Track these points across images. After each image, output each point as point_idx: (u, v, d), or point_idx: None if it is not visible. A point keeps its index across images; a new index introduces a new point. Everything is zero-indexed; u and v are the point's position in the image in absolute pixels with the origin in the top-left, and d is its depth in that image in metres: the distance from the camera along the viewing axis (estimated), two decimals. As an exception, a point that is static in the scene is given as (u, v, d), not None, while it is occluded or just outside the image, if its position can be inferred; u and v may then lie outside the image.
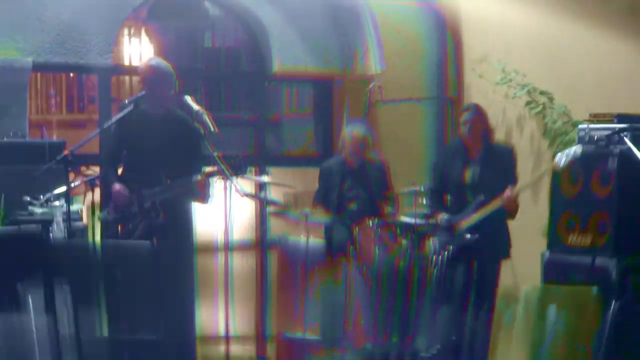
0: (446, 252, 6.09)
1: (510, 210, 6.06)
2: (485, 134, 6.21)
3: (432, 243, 6.23)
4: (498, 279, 6.17)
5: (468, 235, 6.05)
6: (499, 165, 6.16)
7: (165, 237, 5.76)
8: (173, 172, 5.78)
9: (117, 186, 5.84)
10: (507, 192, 5.96)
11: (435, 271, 6.12)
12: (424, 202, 6.66)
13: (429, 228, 6.29)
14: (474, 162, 6.18)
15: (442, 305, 6.15)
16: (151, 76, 5.91)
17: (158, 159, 5.79)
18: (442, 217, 6.18)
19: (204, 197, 5.78)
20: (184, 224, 5.94)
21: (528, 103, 7.49)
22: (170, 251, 5.80)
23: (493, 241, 6.09)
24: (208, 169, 5.71)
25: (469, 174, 6.17)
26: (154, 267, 5.92)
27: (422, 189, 6.66)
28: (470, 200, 6.12)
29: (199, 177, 5.67)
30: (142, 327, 6.45)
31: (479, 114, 6.22)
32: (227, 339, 6.02)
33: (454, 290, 6.11)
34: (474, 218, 6.05)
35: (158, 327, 5.89)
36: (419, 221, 6.51)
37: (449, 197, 6.28)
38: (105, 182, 6.05)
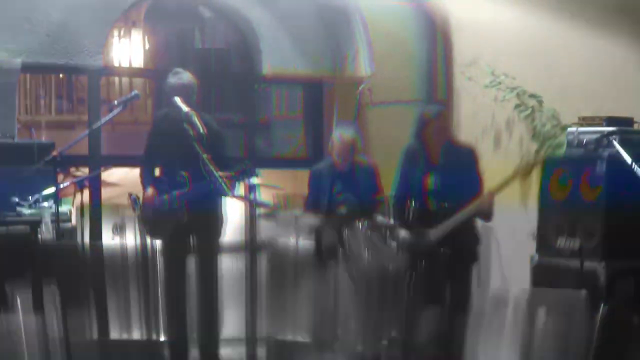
0: (418, 267, 5.80)
1: (486, 215, 5.81)
2: (446, 136, 5.93)
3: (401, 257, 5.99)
4: (470, 283, 5.93)
5: (442, 249, 5.74)
6: (462, 168, 5.83)
7: (197, 237, 6.18)
8: (200, 174, 5.91)
9: (149, 191, 6.13)
10: (482, 197, 5.71)
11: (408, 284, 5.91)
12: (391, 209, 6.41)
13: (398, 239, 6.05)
14: (436, 167, 5.88)
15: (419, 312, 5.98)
16: (173, 87, 6.11)
17: (187, 162, 5.98)
18: (402, 235, 5.94)
19: (232, 191, 5.92)
20: (215, 223, 6.24)
21: (517, 106, 7.49)
22: (201, 251, 6.20)
23: (462, 247, 5.83)
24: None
25: (431, 180, 5.91)
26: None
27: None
28: (433, 208, 5.82)
29: (231, 173, 5.81)
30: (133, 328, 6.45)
31: (441, 114, 5.97)
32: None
33: (430, 298, 5.90)
34: (444, 228, 5.76)
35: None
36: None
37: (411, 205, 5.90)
38: (143, 184, 6.25)
